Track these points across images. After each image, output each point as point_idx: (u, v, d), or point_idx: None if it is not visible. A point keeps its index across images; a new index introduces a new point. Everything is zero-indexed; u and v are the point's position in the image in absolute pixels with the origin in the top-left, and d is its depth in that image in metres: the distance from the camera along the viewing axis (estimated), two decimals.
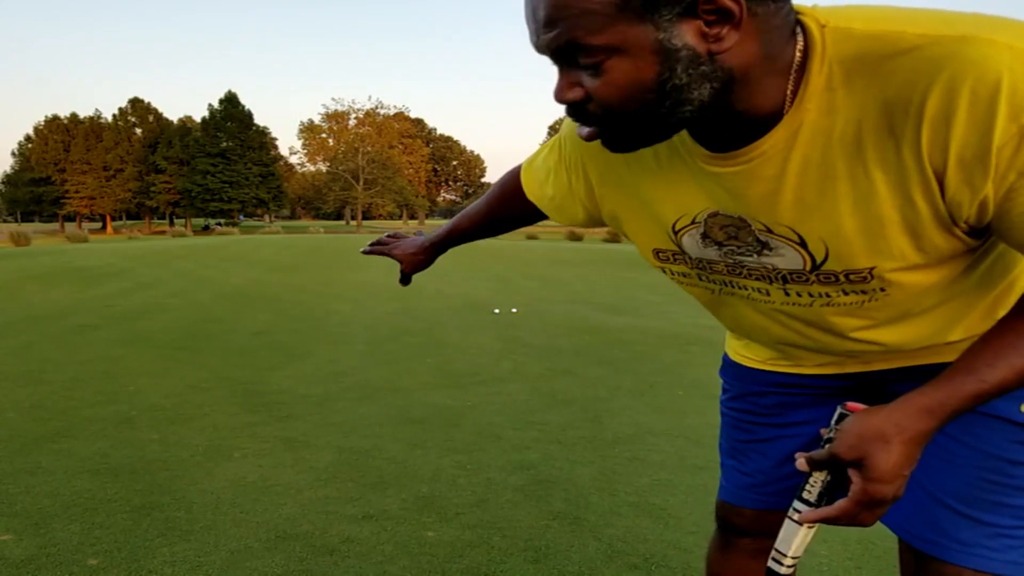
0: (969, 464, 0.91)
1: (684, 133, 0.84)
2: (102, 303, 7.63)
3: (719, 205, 0.86)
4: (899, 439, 0.76)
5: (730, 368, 1.23)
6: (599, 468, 2.85)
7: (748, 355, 1.17)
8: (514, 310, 7.51)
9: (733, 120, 0.76)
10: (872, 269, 0.80)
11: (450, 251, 1.38)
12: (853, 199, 0.76)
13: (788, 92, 0.74)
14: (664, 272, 1.02)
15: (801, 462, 0.82)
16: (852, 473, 0.78)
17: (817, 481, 0.82)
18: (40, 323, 6.29)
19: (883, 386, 1.06)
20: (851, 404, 0.82)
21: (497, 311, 7.43)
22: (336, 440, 3.14)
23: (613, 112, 0.74)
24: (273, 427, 3.32)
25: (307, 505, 2.44)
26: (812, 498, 0.83)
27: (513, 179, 1.19)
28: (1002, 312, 0.90)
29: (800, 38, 0.74)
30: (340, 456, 2.94)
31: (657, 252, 0.98)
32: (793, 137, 0.76)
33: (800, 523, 0.83)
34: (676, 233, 0.93)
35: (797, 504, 0.84)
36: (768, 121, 0.76)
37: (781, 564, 0.86)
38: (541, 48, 0.75)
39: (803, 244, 0.82)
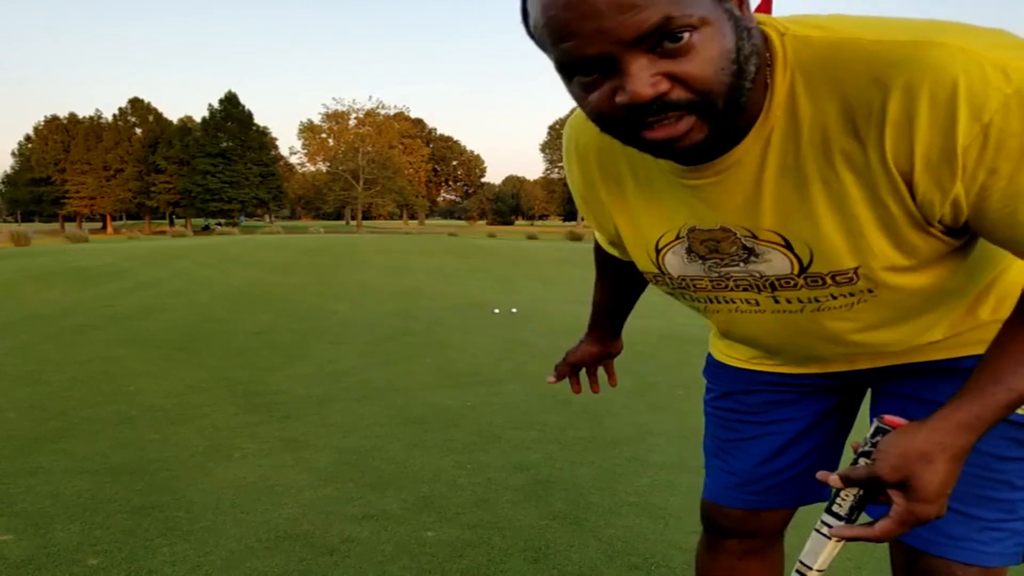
0: None
1: None
2: (102, 303, 7.62)
3: (697, 219, 0.87)
4: (942, 457, 0.75)
5: (714, 367, 1.23)
6: (599, 468, 2.85)
7: (732, 354, 1.17)
8: (514, 310, 7.51)
9: (732, 122, 0.74)
10: (857, 269, 0.80)
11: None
12: (828, 201, 0.76)
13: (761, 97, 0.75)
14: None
15: (835, 479, 0.81)
16: (894, 494, 0.76)
17: (849, 495, 0.81)
18: (40, 323, 6.29)
19: (866, 384, 1.06)
20: (889, 418, 0.80)
21: (497, 311, 7.43)
22: (336, 440, 3.14)
23: (704, 91, 0.68)
24: (273, 427, 3.32)
25: (307, 505, 2.44)
26: (843, 512, 0.81)
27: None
28: (982, 310, 0.91)
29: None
30: (340, 456, 2.94)
31: (644, 274, 1.01)
32: (766, 143, 0.77)
33: (830, 537, 0.82)
34: (659, 251, 0.94)
35: (826, 517, 0.83)
36: (742, 128, 0.76)
37: None
38: (611, 38, 0.64)
39: (789, 247, 0.82)
